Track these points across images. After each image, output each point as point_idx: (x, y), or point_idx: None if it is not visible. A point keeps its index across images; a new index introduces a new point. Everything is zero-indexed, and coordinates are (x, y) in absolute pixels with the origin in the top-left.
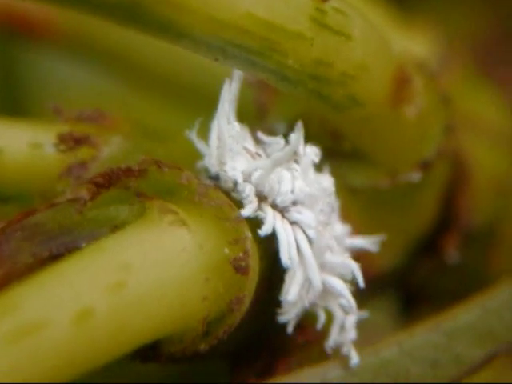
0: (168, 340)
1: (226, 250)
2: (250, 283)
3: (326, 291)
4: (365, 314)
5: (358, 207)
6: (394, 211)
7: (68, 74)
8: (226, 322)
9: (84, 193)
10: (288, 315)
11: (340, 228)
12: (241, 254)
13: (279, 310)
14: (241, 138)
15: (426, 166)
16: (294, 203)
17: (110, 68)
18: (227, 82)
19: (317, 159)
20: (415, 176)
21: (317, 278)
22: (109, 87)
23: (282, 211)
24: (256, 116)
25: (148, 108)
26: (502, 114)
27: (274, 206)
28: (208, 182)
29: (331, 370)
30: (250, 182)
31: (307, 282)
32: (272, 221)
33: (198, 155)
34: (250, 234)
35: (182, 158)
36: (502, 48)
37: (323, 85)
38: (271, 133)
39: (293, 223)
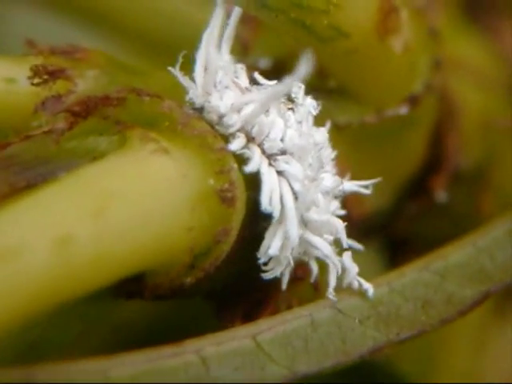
0: (153, 273)
1: (211, 181)
2: (237, 215)
3: (311, 248)
4: (359, 247)
5: (344, 145)
6: (382, 150)
7: (46, 29)
8: (212, 254)
9: (61, 123)
10: (273, 272)
11: (331, 181)
12: (226, 185)
13: (264, 268)
14: (230, 71)
15: (413, 101)
16: (283, 152)
17: (90, 22)
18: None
19: (314, 112)
20: (403, 111)
21: (295, 233)
22: (86, 40)
23: (269, 158)
24: (239, 52)
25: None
26: (490, 57)
27: (262, 151)
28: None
29: (320, 310)
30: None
31: (288, 238)
32: (258, 160)
33: (177, 91)
34: (235, 165)
35: (161, 92)
36: None
37: (306, 13)
38: (255, 68)
39: (279, 172)
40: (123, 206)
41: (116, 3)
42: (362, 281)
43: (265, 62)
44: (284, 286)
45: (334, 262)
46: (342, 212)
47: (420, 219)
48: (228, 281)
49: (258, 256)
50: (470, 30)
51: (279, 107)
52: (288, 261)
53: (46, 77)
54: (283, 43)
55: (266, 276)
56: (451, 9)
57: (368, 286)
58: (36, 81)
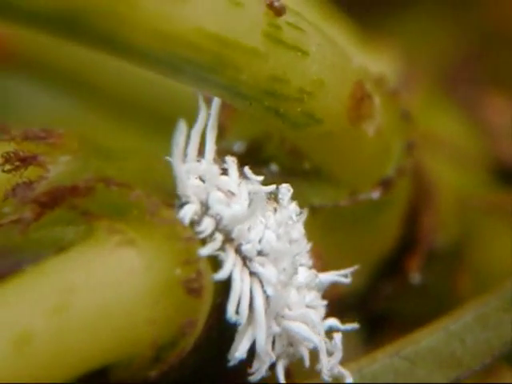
0: (116, 367)
1: (178, 271)
2: (204, 305)
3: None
4: (354, 326)
5: (317, 227)
6: (356, 231)
7: (25, 95)
8: (177, 346)
9: (27, 213)
10: (260, 372)
11: (305, 275)
12: (193, 275)
13: (249, 371)
14: (213, 175)
15: (386, 185)
16: (259, 253)
17: (68, 88)
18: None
19: (296, 218)
20: (375, 195)
21: (262, 338)
22: (64, 107)
23: (245, 258)
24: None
25: (104, 128)
26: (466, 133)
27: (238, 251)
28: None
29: None
30: (220, 221)
31: (270, 336)
32: (230, 268)
33: (151, 175)
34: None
35: (134, 178)
36: (469, 68)
37: (280, 101)
38: (230, 152)
39: (252, 273)
40: (85, 301)
41: (105, 75)
42: (341, 368)
43: (239, 145)
44: (281, 379)
45: (322, 346)
46: (322, 303)
47: (396, 298)
48: (198, 367)
49: (229, 358)
50: (447, 105)
51: (262, 205)
52: (270, 357)
53: (17, 163)
54: (257, 126)
55: (254, 378)
56: (428, 85)
57: (347, 374)
58: (7, 168)
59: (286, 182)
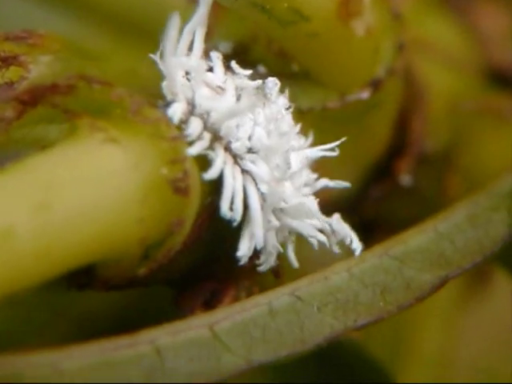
0: (103, 264)
1: (164, 170)
2: (192, 205)
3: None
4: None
5: (307, 129)
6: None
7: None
8: (166, 245)
9: (9, 111)
10: (268, 263)
11: (305, 176)
12: (180, 175)
13: (257, 261)
14: (200, 71)
15: (376, 85)
16: (250, 150)
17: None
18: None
19: (286, 112)
20: (364, 95)
21: (260, 235)
22: (44, 16)
23: (235, 156)
24: None
25: (86, 34)
26: (459, 38)
27: (228, 149)
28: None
29: (279, 298)
30: (208, 120)
31: (272, 227)
32: (221, 166)
33: (134, 76)
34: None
35: (117, 78)
36: None
37: None
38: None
39: (244, 171)
40: (69, 198)
41: None
42: (355, 239)
43: (225, 46)
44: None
45: (319, 238)
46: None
47: (387, 202)
48: (186, 270)
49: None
50: (441, 11)
51: (250, 100)
52: (277, 249)
53: None
54: (244, 27)
55: (262, 268)
56: None
57: (357, 246)
58: None
59: (285, 100)
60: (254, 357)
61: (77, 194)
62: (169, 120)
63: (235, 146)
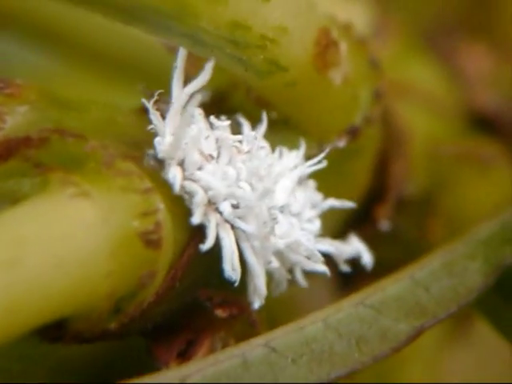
0: (75, 318)
1: (135, 223)
2: (164, 256)
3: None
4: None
5: None
6: (325, 181)
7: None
8: (137, 298)
9: None
10: (281, 288)
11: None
12: (151, 227)
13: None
14: (196, 139)
15: (353, 133)
16: (236, 207)
17: (30, 38)
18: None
19: (268, 161)
20: (341, 143)
21: (262, 283)
22: (25, 57)
23: (222, 214)
24: None
25: (65, 77)
26: (440, 81)
27: (216, 210)
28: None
29: (253, 349)
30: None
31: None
32: (215, 231)
33: (112, 126)
34: (162, 206)
35: (94, 129)
36: (445, 17)
37: (242, 49)
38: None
39: (234, 228)
40: (38, 253)
41: (69, 23)
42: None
43: (204, 95)
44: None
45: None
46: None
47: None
48: (160, 320)
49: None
50: (424, 54)
51: (231, 153)
52: (284, 276)
53: None
54: (223, 75)
55: (275, 293)
56: (405, 37)
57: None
58: None
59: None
60: None
61: (45, 250)
62: (142, 172)
63: (223, 206)
